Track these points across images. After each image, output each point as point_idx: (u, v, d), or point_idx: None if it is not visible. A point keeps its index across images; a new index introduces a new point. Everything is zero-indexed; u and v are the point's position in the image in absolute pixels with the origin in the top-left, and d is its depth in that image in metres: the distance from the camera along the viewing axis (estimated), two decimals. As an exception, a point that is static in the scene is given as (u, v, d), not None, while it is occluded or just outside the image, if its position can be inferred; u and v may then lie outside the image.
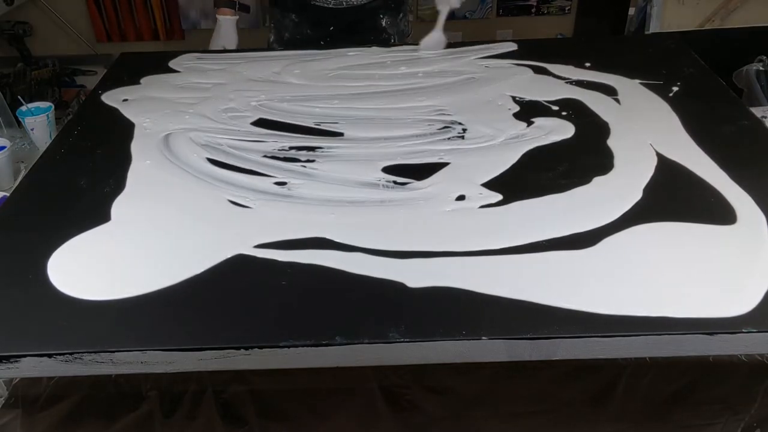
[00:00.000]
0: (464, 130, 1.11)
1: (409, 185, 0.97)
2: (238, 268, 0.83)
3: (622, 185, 0.95)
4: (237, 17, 1.58)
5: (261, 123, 1.17)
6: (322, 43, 1.57)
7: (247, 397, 0.86)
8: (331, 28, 1.60)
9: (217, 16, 1.57)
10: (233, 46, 1.56)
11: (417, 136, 1.09)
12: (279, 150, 1.08)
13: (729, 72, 1.79)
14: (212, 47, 1.57)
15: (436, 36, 1.42)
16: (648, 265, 0.80)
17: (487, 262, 0.82)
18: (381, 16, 1.62)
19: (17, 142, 1.39)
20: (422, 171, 1.00)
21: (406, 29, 1.70)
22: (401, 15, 1.66)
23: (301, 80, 1.31)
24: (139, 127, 1.16)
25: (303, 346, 0.72)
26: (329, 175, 1.00)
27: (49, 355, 0.72)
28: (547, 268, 0.80)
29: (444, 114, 1.17)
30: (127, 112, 1.21)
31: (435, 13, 1.44)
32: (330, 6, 1.57)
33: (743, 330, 0.71)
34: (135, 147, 1.10)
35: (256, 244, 0.86)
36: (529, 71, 1.31)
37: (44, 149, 1.18)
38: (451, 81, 1.29)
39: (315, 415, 0.90)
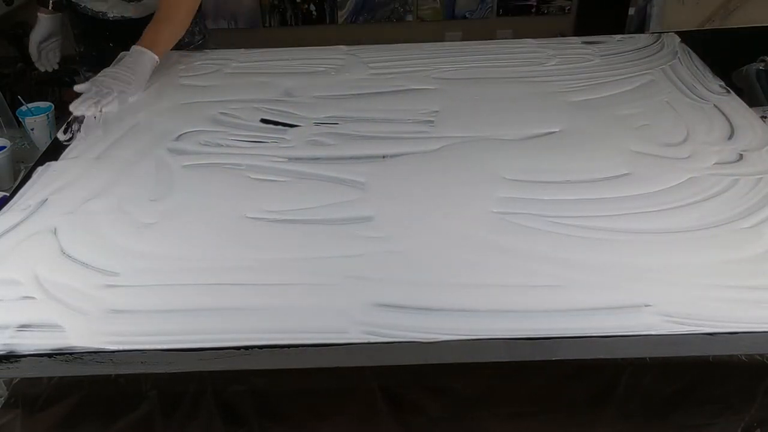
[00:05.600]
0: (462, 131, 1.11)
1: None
2: (238, 268, 0.83)
3: (624, 187, 0.95)
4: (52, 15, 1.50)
5: (263, 123, 1.17)
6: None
7: (247, 397, 0.86)
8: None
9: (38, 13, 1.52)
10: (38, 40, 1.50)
11: (415, 139, 1.09)
12: (282, 148, 1.08)
13: (729, 72, 1.79)
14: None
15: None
16: (648, 265, 0.80)
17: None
18: None
19: (17, 142, 1.39)
20: (423, 173, 1.00)
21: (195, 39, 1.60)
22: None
23: (300, 80, 1.31)
24: (138, 127, 1.16)
25: (303, 346, 0.72)
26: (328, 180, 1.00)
27: (49, 355, 0.72)
28: (548, 268, 0.80)
29: (441, 114, 1.17)
30: (127, 112, 1.21)
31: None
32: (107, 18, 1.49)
33: (743, 330, 0.71)
34: (134, 147, 1.10)
35: (256, 246, 0.86)
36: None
37: (44, 149, 1.18)
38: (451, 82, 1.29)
39: (315, 415, 0.90)
